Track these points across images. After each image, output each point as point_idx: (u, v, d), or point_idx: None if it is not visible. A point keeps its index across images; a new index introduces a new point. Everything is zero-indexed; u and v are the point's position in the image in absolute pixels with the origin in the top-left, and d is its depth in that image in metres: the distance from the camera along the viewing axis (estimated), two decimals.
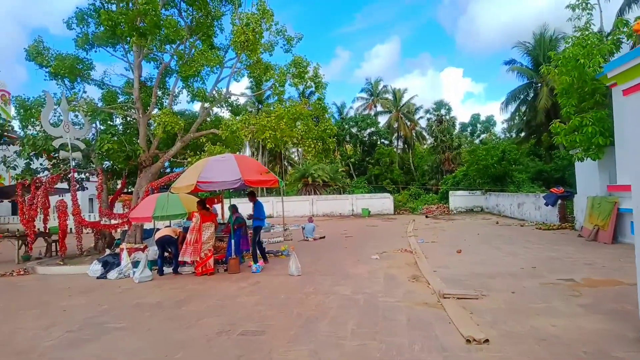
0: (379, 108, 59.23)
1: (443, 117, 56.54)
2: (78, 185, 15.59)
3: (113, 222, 14.00)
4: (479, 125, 68.11)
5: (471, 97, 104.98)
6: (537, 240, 14.16)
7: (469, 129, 65.74)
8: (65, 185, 15.62)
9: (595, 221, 13.82)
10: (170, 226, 12.22)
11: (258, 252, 11.18)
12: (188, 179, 9.75)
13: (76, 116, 14.91)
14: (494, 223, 22.32)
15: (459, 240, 15.47)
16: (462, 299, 6.79)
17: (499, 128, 74.06)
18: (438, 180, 51.86)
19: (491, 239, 15.19)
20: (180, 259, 10.06)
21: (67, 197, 13.73)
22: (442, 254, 12.09)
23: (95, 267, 10.76)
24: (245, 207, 12.26)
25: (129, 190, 16.06)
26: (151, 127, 14.91)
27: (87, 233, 14.25)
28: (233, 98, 16.63)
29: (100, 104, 14.57)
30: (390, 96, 59.73)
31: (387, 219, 28.94)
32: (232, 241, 10.62)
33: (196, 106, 17.10)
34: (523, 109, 41.15)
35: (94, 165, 14.08)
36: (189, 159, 13.22)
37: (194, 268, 10.20)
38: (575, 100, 14.46)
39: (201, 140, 14.07)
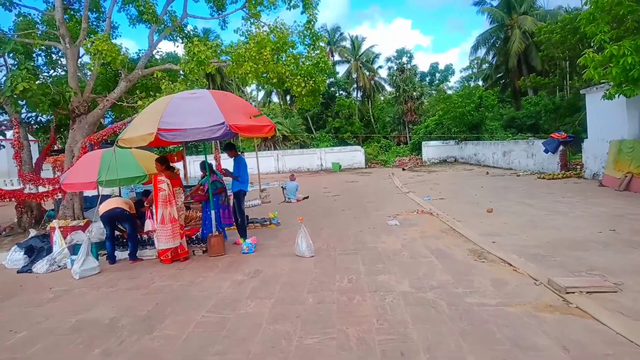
0: (337, 57, 55.85)
1: (405, 65, 54.20)
2: None
3: (41, 189, 10.61)
4: (437, 75, 66.69)
5: (420, 49, 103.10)
6: (559, 192, 12.26)
7: (427, 79, 64.14)
8: None
9: (627, 168, 12.01)
10: (120, 195, 9.09)
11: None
12: (144, 126, 6.65)
13: None
14: (484, 173, 20.58)
15: (466, 194, 13.38)
16: (595, 292, 4.46)
17: (457, 77, 73.02)
18: (400, 131, 50.22)
19: (503, 192, 13.17)
20: (158, 247, 7.10)
21: None
22: (468, 214, 9.84)
23: (16, 256, 7.61)
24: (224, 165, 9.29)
25: (61, 148, 12.51)
26: (83, 63, 11.28)
27: (4, 205, 10.75)
28: (191, 26, 13.09)
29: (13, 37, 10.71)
30: (348, 44, 56.35)
31: (362, 173, 26.67)
32: (212, 212, 7.74)
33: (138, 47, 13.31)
34: (491, 54, 39.45)
35: (6, 115, 10.42)
36: (140, 103, 9.92)
37: (158, 253, 7.29)
38: (607, 26, 12.22)
39: (155, 78, 10.73)
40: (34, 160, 11.32)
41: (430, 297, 4.77)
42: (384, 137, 45.80)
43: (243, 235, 8.42)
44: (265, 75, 9.87)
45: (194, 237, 8.57)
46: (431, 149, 31.68)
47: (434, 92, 60.56)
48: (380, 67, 56.98)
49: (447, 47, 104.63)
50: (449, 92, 56.15)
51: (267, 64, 9.64)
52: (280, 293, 5.29)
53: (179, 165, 10.10)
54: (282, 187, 15.07)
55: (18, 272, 7.24)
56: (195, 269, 6.77)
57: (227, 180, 8.58)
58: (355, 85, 55.59)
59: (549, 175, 16.62)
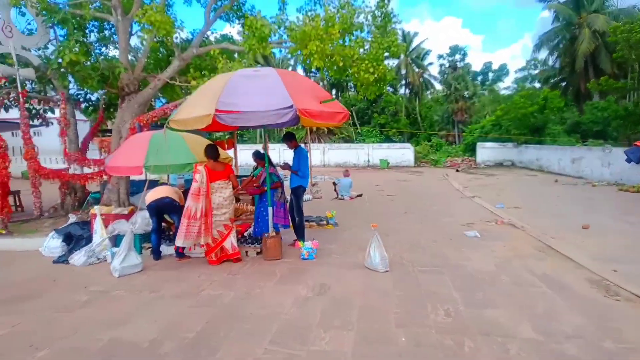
0: (385, 53, 54.13)
1: (457, 63, 52.05)
2: (42, 120, 11.39)
3: (86, 170, 9.98)
4: (490, 75, 63.77)
5: (469, 48, 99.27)
6: None
7: (479, 78, 61.31)
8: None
9: None
10: (167, 183, 8.26)
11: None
12: (199, 106, 5.68)
13: (29, 23, 10.50)
14: (551, 181, 18.74)
15: (544, 204, 11.83)
16: None
17: (511, 78, 69.53)
18: (449, 131, 48.13)
19: (588, 205, 11.53)
20: (177, 243, 6.18)
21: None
22: (560, 229, 8.40)
23: (53, 243, 6.90)
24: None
25: (110, 129, 11.92)
26: (137, 48, 10.54)
27: (52, 185, 10.16)
28: (249, 5, 12.14)
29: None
30: (399, 39, 54.49)
31: (413, 172, 25.21)
32: (270, 209, 6.74)
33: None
34: (554, 54, 36.74)
35: (55, 91, 9.82)
36: (193, 83, 9.05)
37: (205, 253, 6.35)
38: None
39: (210, 58, 9.86)
40: (80, 140, 10.72)
41: (573, 352, 3.53)
42: (430, 136, 44.00)
43: (301, 237, 7.39)
44: (330, 58, 8.74)
45: (245, 234, 7.62)
46: (486, 151, 29.71)
47: (485, 92, 57.88)
48: (430, 64, 54.82)
49: (497, 48, 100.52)
50: (504, 93, 53.51)
51: (335, 45, 8.52)
52: (361, 323, 4.18)
53: (229, 152, 9.22)
54: (334, 182, 13.97)
55: (54, 262, 6.49)
56: (250, 275, 5.77)
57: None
58: (403, 82, 53.80)
59: (634, 187, 14.70)
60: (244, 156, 30.41)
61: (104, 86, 9.77)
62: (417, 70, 52.61)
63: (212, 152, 6.40)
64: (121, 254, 5.81)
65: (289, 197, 7.55)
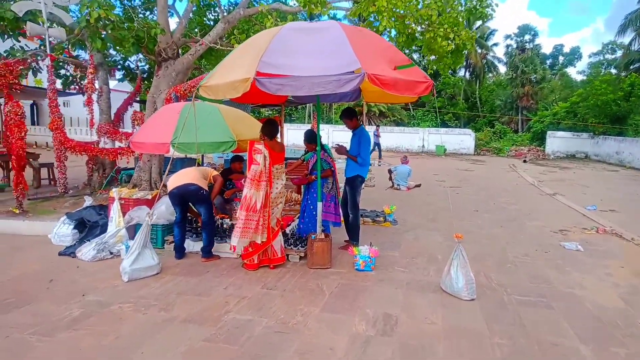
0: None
1: (526, 44, 48.16)
2: (76, 87, 10.54)
3: (118, 145, 9.01)
4: (561, 58, 58.91)
5: (532, 30, 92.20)
6: None
7: (548, 62, 56.59)
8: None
9: None
10: (200, 165, 7.07)
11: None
12: (236, 68, 4.33)
13: None
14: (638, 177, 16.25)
15: None
16: None
17: (583, 63, 63.98)
18: (512, 117, 44.70)
19: None
20: (233, 242, 4.88)
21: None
22: None
23: (64, 230, 5.87)
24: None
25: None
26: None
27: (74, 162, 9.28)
28: None
29: None
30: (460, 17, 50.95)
31: (473, 161, 23.05)
32: (319, 204, 5.36)
33: None
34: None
35: (86, 52, 8.82)
36: (238, 46, 7.73)
37: (243, 256, 5.06)
38: None
39: (258, 22, 8.52)
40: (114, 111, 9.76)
41: None
42: (490, 122, 40.99)
43: (355, 238, 5.98)
44: (402, 21, 7.13)
45: (287, 230, 6.31)
46: (557, 141, 26.85)
47: (555, 77, 53.39)
48: (495, 44, 51.01)
49: (566, 32, 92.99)
50: (578, 78, 49.15)
51: (409, 4, 6.90)
52: None
53: None
54: (389, 170, 12.40)
55: (60, 254, 5.45)
56: (290, 291, 4.44)
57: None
58: (464, 63, 50.46)
59: None
60: (291, 136, 29.37)
61: (141, 50, 8.64)
62: (480, 51, 49.08)
63: (271, 128, 5.10)
64: (133, 252, 4.64)
65: (342, 188, 6.16)
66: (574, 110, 27.37)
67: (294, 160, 8.98)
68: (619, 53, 47.54)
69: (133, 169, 9.12)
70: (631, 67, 35.95)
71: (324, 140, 6.16)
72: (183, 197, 5.23)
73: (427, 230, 7.31)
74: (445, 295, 4.42)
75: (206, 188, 5.29)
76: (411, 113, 41.11)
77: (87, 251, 5.23)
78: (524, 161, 23.26)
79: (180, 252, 5.38)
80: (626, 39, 34.85)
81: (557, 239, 6.91)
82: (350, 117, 5.85)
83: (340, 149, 5.85)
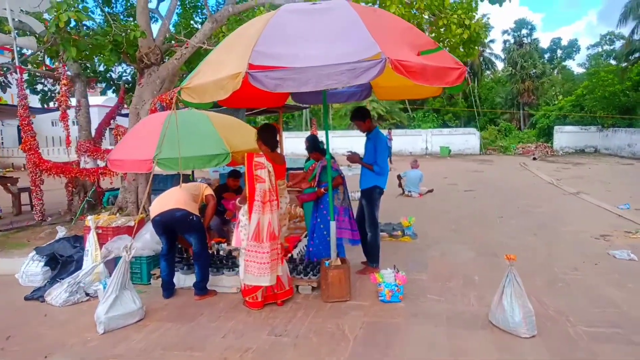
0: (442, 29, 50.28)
1: (524, 39, 47.53)
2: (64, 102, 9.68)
3: (101, 164, 8.16)
4: (559, 52, 58.26)
5: (529, 25, 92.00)
6: None
7: (546, 56, 55.93)
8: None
9: None
10: (191, 180, 6.19)
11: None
12: (226, 62, 3.49)
13: None
14: None
15: None
16: None
17: (582, 56, 63.37)
18: (513, 114, 43.90)
19: None
20: (243, 279, 4.03)
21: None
22: None
23: (33, 268, 4.99)
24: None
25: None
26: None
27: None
28: None
29: None
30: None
31: (481, 161, 22.20)
32: (332, 224, 4.49)
33: None
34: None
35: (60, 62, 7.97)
36: None
37: (244, 292, 4.15)
38: None
39: (248, 19, 7.69)
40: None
41: None
42: (491, 120, 40.23)
43: (374, 260, 5.12)
44: (412, 6, 6.31)
45: (294, 254, 5.44)
46: (565, 136, 26.05)
47: (554, 71, 52.70)
48: (491, 41, 50.29)
49: (559, 25, 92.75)
50: (578, 71, 48.50)
51: None
52: None
53: None
54: (399, 175, 11.53)
55: (26, 298, 4.57)
56: (304, 337, 3.55)
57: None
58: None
59: None
60: (289, 145, 28.51)
61: (120, 56, 7.82)
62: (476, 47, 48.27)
63: (270, 137, 4.22)
64: (109, 297, 3.77)
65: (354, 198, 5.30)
66: (580, 103, 26.58)
67: (297, 171, 8.15)
68: (618, 44, 46.96)
69: (117, 189, 8.26)
70: (631, 57, 35.30)
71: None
72: (168, 226, 4.35)
73: (453, 243, 6.43)
74: (498, 332, 3.53)
75: (197, 213, 4.41)
76: (411, 115, 40.31)
77: (57, 294, 4.35)
78: (534, 159, 22.40)
79: (168, 289, 4.50)
80: (626, 29, 34.27)
81: (602, 246, 6.04)
82: (363, 117, 5.00)
83: (353, 157, 5.00)
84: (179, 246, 5.09)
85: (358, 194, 10.06)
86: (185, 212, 4.25)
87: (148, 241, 4.85)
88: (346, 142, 26.34)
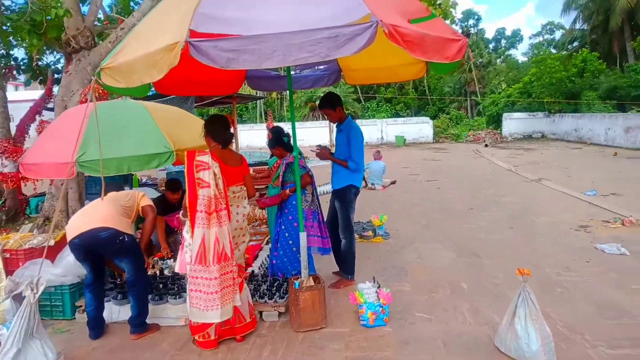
0: None
1: (470, 29, 48.57)
2: None
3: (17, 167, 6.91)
4: (503, 42, 60.14)
5: (475, 15, 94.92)
6: None
7: (491, 45, 57.56)
8: None
9: None
10: (134, 184, 5.12)
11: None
12: (160, 31, 2.63)
13: None
14: (605, 154, 15.98)
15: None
16: None
17: (525, 44, 65.76)
18: (461, 103, 44.79)
19: None
20: (190, 314, 3.16)
21: None
22: None
23: None
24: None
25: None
26: None
27: None
28: None
29: None
30: None
31: (436, 149, 22.09)
32: (302, 235, 3.71)
33: None
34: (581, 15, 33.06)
35: None
36: None
37: (193, 329, 3.29)
38: None
39: None
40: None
41: None
42: (440, 109, 40.84)
43: (349, 271, 4.41)
44: None
45: (254, 268, 4.64)
46: (514, 122, 26.53)
47: (498, 60, 54.30)
48: None
49: (501, 16, 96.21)
50: (522, 60, 50.21)
51: None
52: None
53: None
54: None
55: None
56: None
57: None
58: None
59: None
60: (243, 139, 27.29)
61: (41, 39, 6.62)
62: None
63: (220, 130, 3.39)
64: (9, 350, 2.81)
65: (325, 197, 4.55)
66: (527, 90, 27.15)
67: (259, 166, 7.29)
68: (558, 33, 48.97)
69: (43, 194, 7.09)
70: (572, 45, 36.70)
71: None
72: (92, 250, 3.40)
73: (428, 242, 5.85)
74: None
75: (129, 231, 3.47)
76: (364, 105, 40.10)
77: None
78: (485, 145, 22.59)
79: (96, 328, 3.56)
80: (569, 19, 35.64)
81: (586, 239, 5.67)
82: (333, 105, 4.23)
83: (323, 152, 4.24)
84: (109, 272, 4.13)
85: (325, 188, 9.53)
86: (113, 231, 3.31)
87: (71, 265, 3.88)
88: (302, 134, 25.71)
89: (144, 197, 3.81)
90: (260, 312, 3.74)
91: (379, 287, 3.77)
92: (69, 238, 3.37)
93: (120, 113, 4.57)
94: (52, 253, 4.05)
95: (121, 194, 3.76)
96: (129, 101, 4.93)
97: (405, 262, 5.08)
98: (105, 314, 3.75)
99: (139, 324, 3.54)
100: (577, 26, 34.84)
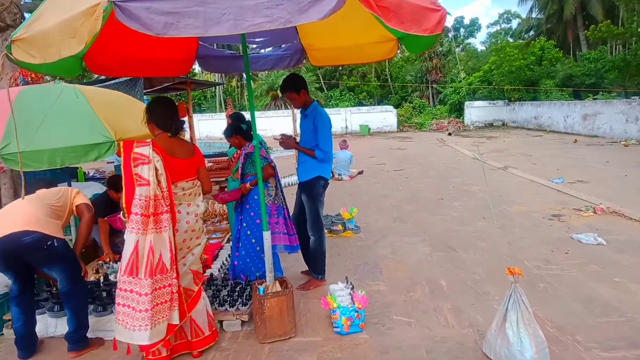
0: None
1: None
2: None
3: None
4: (462, 30, 61.09)
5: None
6: None
7: (450, 35, 58.36)
8: None
9: None
10: (52, 182, 4.45)
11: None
12: None
13: None
14: (566, 141, 16.28)
15: (607, 174, 9.02)
16: None
17: (483, 33, 67.16)
18: (423, 91, 45.24)
19: None
20: (139, 338, 2.60)
21: None
22: None
23: None
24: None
25: None
26: None
27: None
28: None
29: None
30: None
31: (401, 138, 22.03)
32: (266, 234, 3.28)
33: None
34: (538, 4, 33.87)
35: None
36: None
37: (142, 347, 2.81)
38: None
39: None
40: None
41: None
42: (403, 98, 41.05)
43: (319, 271, 4.03)
44: None
45: (212, 271, 4.19)
46: (475, 111, 26.87)
47: (457, 49, 55.15)
48: None
49: (458, 6, 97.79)
50: (480, 48, 51.14)
51: None
52: None
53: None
54: None
55: None
56: None
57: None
58: None
59: None
60: (203, 129, 26.33)
61: None
62: None
63: (164, 115, 2.87)
64: None
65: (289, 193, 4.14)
66: (487, 78, 27.53)
67: (216, 158, 6.77)
68: (514, 22, 50.14)
69: None
70: (526, 35, 37.57)
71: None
72: (14, 257, 2.84)
73: (401, 235, 5.54)
74: None
75: (59, 234, 2.94)
76: (327, 94, 39.71)
77: None
78: (449, 134, 22.71)
79: (26, 347, 3.03)
80: (525, 8, 36.41)
81: (560, 229, 5.52)
82: (297, 88, 3.80)
83: (287, 141, 3.81)
84: (39, 280, 3.58)
85: (290, 179, 9.08)
86: (39, 235, 2.78)
87: None
88: (264, 123, 25.04)
89: (79, 195, 3.27)
90: (221, 322, 3.30)
91: (352, 288, 3.41)
92: None
93: (52, 98, 3.95)
94: None
95: (50, 192, 3.21)
96: (63, 85, 4.31)
97: (378, 257, 4.74)
98: (39, 328, 3.23)
99: (78, 339, 3.03)
100: (534, 15, 35.72)
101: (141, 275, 2.50)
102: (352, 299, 3.26)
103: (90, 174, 9.06)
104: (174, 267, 2.61)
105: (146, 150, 2.57)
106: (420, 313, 3.43)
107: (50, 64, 2.31)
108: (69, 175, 6.99)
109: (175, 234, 2.70)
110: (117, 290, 2.58)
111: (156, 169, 2.56)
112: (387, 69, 47.97)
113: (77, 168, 7.90)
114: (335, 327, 3.19)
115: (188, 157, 2.89)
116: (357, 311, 3.18)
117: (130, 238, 2.52)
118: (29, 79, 5.86)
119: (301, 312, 3.50)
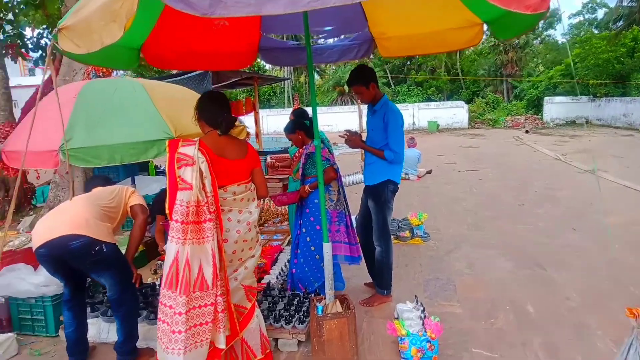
0: None
1: None
2: None
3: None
4: (541, 22, 57.14)
5: None
6: None
7: (558, 13, 54.51)
8: None
9: None
10: (110, 179, 4.38)
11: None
12: None
13: None
14: None
15: None
16: None
17: (564, 25, 62.61)
18: (497, 86, 42.79)
19: None
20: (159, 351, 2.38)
21: None
22: None
23: None
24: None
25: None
26: None
27: None
28: None
29: None
30: None
31: (472, 135, 20.85)
32: (327, 245, 2.93)
33: None
34: None
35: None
36: None
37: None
38: None
39: None
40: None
41: None
42: (475, 93, 39.04)
43: (385, 286, 3.61)
44: None
45: (271, 277, 3.90)
46: (555, 107, 24.89)
47: (536, 41, 51.59)
48: None
49: None
50: (560, 40, 47.50)
51: None
52: None
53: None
54: None
55: None
56: None
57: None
58: None
59: None
60: (271, 124, 26.40)
61: (40, 13, 6.01)
62: None
63: (214, 112, 2.55)
64: None
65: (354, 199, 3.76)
66: (570, 72, 25.34)
67: (280, 155, 6.49)
68: (600, 12, 45.97)
69: (48, 183, 6.56)
70: (616, 24, 34.19)
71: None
72: (61, 261, 2.70)
73: (478, 246, 4.97)
74: None
75: (110, 239, 2.76)
76: (394, 89, 38.75)
77: None
78: (527, 131, 21.16)
79: (76, 354, 2.90)
80: None
81: None
82: (366, 81, 3.39)
83: (354, 139, 3.42)
84: (91, 283, 3.48)
85: (353, 178, 8.68)
86: (87, 240, 2.60)
87: (43, 280, 3.23)
88: (330, 119, 24.82)
89: (134, 195, 3.09)
90: (276, 340, 3.00)
91: (423, 310, 2.97)
92: (34, 247, 2.69)
93: (113, 92, 3.85)
94: (32, 259, 3.42)
95: (105, 191, 3.06)
96: (126, 79, 4.23)
97: (452, 272, 4.23)
98: (92, 332, 3.12)
99: (128, 352, 2.86)
100: (625, 3, 32.40)
101: (179, 290, 2.24)
102: (423, 324, 2.82)
103: (162, 167, 9.15)
104: (218, 282, 2.31)
105: (191, 151, 2.29)
106: (506, 347, 2.91)
107: (102, 54, 2.13)
108: (137, 169, 7.11)
109: (223, 245, 2.41)
110: (159, 304, 2.34)
111: (200, 172, 2.27)
112: (457, 63, 45.98)
113: (149, 161, 8.01)
114: (403, 357, 2.77)
115: (240, 157, 2.57)
116: (429, 341, 2.74)
117: (170, 248, 2.27)
118: (100, 73, 5.93)
119: (364, 334, 3.12)
